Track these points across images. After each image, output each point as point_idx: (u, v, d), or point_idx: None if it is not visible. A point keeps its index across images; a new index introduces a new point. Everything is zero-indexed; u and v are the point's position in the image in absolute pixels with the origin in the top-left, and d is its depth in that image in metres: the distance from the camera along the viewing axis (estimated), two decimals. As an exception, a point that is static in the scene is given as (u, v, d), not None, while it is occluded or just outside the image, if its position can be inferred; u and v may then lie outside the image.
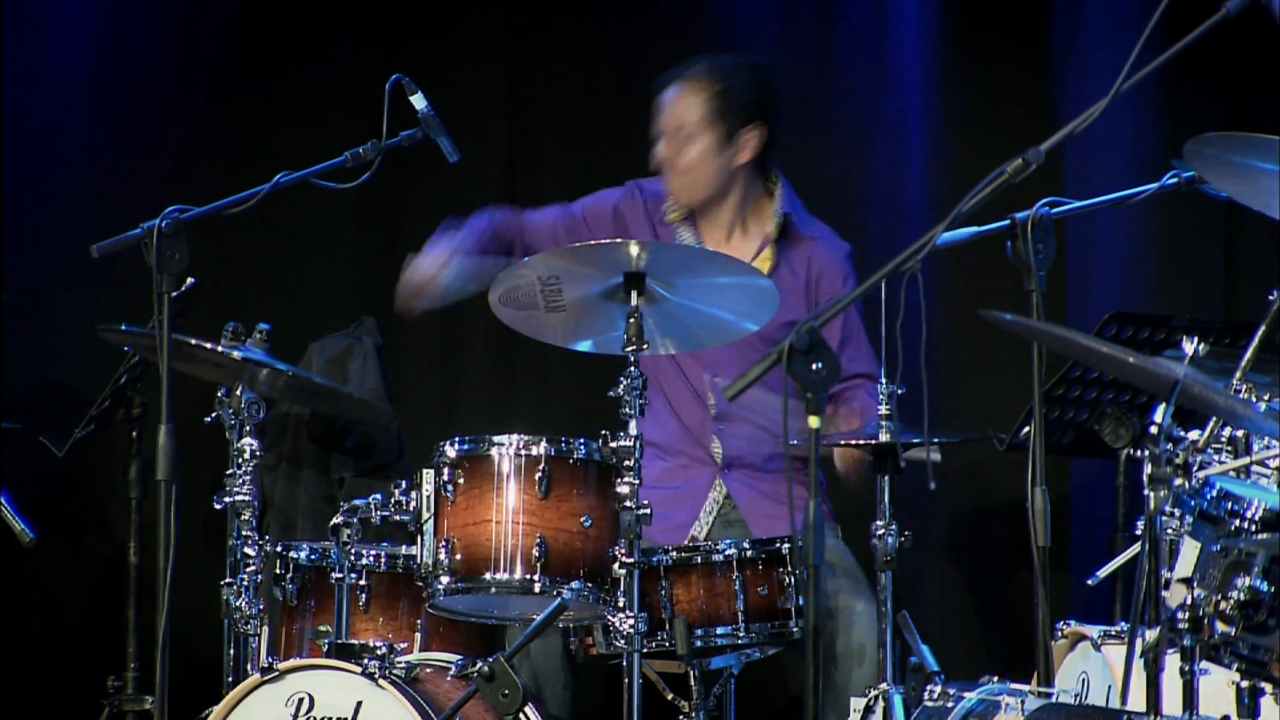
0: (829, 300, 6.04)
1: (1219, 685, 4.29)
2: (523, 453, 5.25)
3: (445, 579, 5.21)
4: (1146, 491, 3.95)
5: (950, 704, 4.86)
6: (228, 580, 5.42)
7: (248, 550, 5.42)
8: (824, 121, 7.14)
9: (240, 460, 5.46)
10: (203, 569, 6.23)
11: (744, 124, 6.04)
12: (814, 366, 3.98)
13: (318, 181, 5.39)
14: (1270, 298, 4.54)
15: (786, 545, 5.41)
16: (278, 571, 5.59)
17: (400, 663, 5.14)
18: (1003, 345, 6.82)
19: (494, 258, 5.98)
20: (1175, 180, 5.07)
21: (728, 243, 6.10)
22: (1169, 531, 4.00)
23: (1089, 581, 5.56)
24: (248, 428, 5.48)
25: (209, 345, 5.49)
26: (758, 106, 6.05)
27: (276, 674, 5.13)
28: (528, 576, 5.19)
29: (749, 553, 5.43)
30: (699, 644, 5.39)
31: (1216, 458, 4.31)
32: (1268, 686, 4.08)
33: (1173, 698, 4.00)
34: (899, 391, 5.35)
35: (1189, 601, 3.97)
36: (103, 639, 6.99)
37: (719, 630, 5.40)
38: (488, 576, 5.21)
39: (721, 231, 6.12)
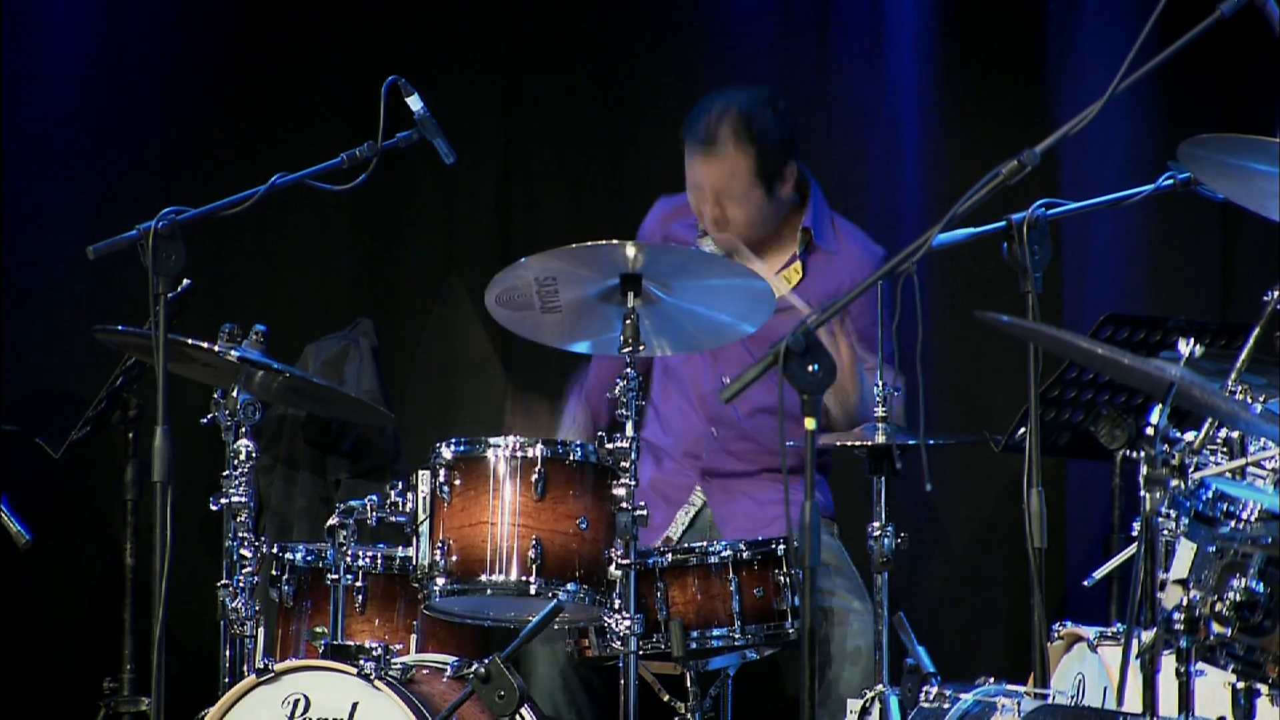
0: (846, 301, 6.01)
1: (1215, 687, 4.29)
2: (519, 454, 5.24)
3: (441, 580, 5.21)
4: (1142, 493, 3.94)
5: (946, 705, 4.86)
6: (224, 582, 5.41)
7: (244, 552, 5.42)
8: (820, 123, 7.13)
9: (236, 462, 5.45)
10: (199, 570, 6.22)
11: (783, 167, 6.01)
12: (809, 368, 3.98)
13: (314, 183, 5.38)
14: (1265, 299, 4.54)
15: (782, 546, 5.41)
16: (274, 573, 5.59)
17: (396, 664, 5.14)
18: (999, 347, 6.83)
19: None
20: (1171, 181, 5.07)
21: (758, 256, 6.03)
22: (1165, 533, 3.99)
23: (1085, 583, 5.55)
24: (244, 429, 5.48)
25: (204, 345, 5.49)
26: (790, 144, 6.01)
27: (272, 675, 5.13)
28: (523, 578, 5.19)
29: (745, 554, 5.42)
30: (695, 645, 5.38)
31: (1212, 459, 4.30)
32: (1263, 688, 4.08)
33: (1169, 699, 3.99)
34: (895, 393, 5.35)
35: (1185, 603, 3.97)
36: (99, 640, 6.98)
37: (715, 632, 5.40)
38: (483, 578, 5.21)
39: (752, 247, 6.07)
